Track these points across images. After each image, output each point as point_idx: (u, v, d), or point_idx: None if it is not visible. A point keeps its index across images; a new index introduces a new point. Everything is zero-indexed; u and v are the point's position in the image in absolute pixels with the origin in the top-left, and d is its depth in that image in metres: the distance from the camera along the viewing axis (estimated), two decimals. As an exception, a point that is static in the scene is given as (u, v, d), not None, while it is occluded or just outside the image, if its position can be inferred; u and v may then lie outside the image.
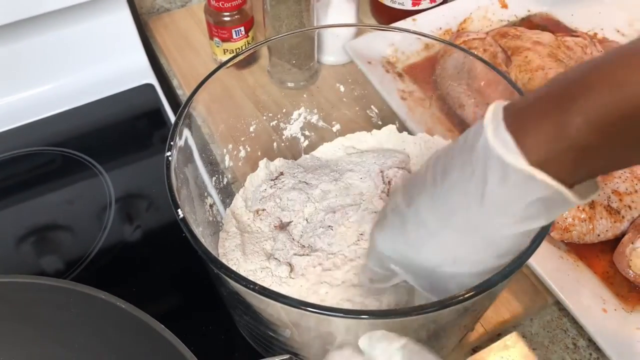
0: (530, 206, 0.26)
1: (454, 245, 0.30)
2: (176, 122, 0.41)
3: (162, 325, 0.37)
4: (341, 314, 0.31)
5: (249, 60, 0.52)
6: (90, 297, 0.39)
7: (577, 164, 0.25)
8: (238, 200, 0.51)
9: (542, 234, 0.35)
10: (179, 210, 0.35)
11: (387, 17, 0.74)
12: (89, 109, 0.69)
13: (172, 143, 0.39)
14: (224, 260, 0.44)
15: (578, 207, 0.49)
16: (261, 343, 0.42)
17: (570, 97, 0.24)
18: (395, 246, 0.33)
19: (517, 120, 0.25)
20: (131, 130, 0.68)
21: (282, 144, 0.56)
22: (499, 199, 0.26)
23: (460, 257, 0.30)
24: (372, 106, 0.57)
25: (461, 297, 0.31)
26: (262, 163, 0.52)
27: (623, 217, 0.50)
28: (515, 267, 0.33)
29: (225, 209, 0.50)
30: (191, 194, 0.42)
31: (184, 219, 0.35)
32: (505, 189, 0.26)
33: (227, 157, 0.52)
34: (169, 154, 0.38)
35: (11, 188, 0.61)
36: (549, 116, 0.25)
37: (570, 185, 0.26)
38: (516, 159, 0.25)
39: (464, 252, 0.30)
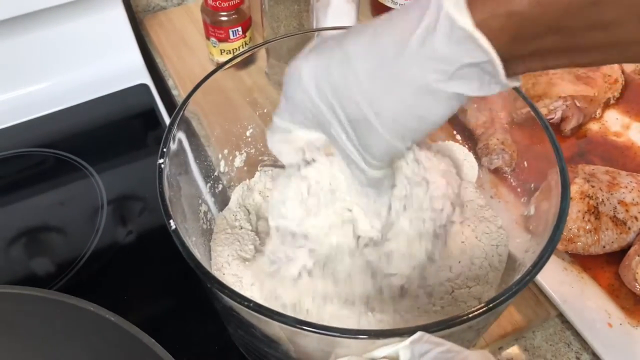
0: (463, 67, 0.27)
1: (378, 96, 0.30)
2: (169, 128, 0.39)
3: (152, 339, 0.36)
4: (338, 334, 0.30)
5: (246, 61, 0.50)
6: (78, 309, 0.38)
7: (512, 35, 0.26)
8: (232, 205, 0.49)
9: (549, 250, 0.34)
10: (171, 221, 0.33)
11: (388, 18, 0.73)
12: (82, 109, 0.68)
13: (165, 149, 0.37)
14: (216, 270, 0.43)
15: (583, 217, 0.48)
16: (257, 357, 0.40)
17: None
18: (324, 87, 0.31)
19: None
20: (124, 131, 0.66)
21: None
22: (438, 50, 0.27)
23: (382, 109, 0.30)
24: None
25: (466, 317, 0.30)
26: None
27: (629, 228, 0.48)
28: (524, 284, 0.32)
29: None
30: (185, 201, 0.41)
31: (176, 231, 0.33)
32: (446, 44, 0.27)
33: (222, 162, 0.50)
34: (161, 161, 0.37)
35: (0, 190, 0.60)
36: None
37: (506, 70, 0.27)
38: (463, 17, 0.26)
39: (386, 105, 0.30)
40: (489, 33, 0.26)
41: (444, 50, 0.27)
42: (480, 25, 0.26)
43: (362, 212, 0.38)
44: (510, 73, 0.27)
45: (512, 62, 0.27)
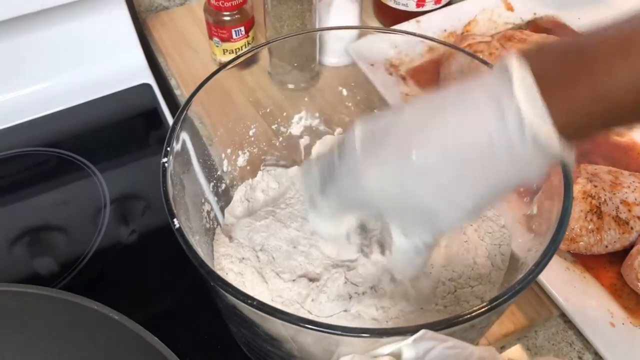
0: (543, 165, 0.27)
1: (456, 188, 0.29)
2: (173, 127, 0.39)
3: (155, 338, 0.36)
4: (340, 332, 0.30)
5: (249, 61, 0.51)
6: (81, 307, 0.38)
7: (598, 119, 0.25)
8: (235, 205, 0.50)
9: (551, 249, 0.34)
10: (175, 220, 0.34)
11: (391, 18, 0.73)
12: (84, 109, 0.68)
13: (168, 149, 0.37)
14: (219, 270, 0.43)
15: (586, 217, 0.48)
16: (259, 356, 0.40)
17: (603, 54, 0.24)
18: (390, 184, 0.30)
19: (544, 73, 0.25)
20: (127, 131, 0.66)
21: (283, 149, 0.55)
22: (519, 155, 0.26)
23: (455, 200, 0.30)
24: (375, 110, 0.56)
25: (468, 316, 0.30)
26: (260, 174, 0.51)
27: (632, 228, 0.48)
28: (526, 283, 0.32)
29: (224, 215, 0.49)
30: (188, 200, 0.41)
31: (180, 230, 0.33)
32: (527, 149, 0.26)
33: (225, 162, 0.50)
34: (165, 160, 0.37)
35: (3, 189, 0.60)
36: (579, 74, 0.24)
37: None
38: (550, 138, 0.25)
39: (460, 195, 0.29)
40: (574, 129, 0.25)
41: (525, 153, 0.26)
42: (563, 126, 0.25)
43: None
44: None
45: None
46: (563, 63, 0.25)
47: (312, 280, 0.42)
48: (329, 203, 0.35)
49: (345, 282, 0.41)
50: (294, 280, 0.42)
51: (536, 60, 0.26)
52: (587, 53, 0.25)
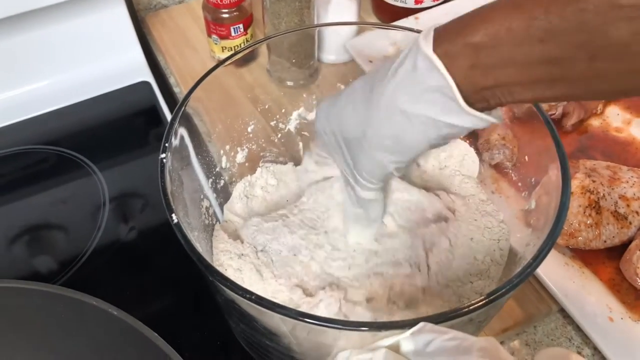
0: (428, 91, 0.30)
1: (365, 117, 0.34)
2: (171, 123, 0.39)
3: (155, 333, 0.36)
4: (339, 326, 0.30)
5: (248, 58, 0.51)
6: (81, 303, 0.38)
7: (470, 65, 0.29)
8: (234, 201, 0.50)
9: (549, 243, 0.34)
10: (173, 215, 0.34)
11: (389, 14, 0.73)
12: (84, 107, 0.68)
13: (166, 144, 0.37)
14: (218, 266, 0.43)
15: (584, 212, 0.48)
16: (258, 351, 0.40)
17: (483, 14, 0.29)
18: (331, 118, 0.38)
19: (441, 30, 0.31)
20: (126, 128, 0.66)
21: (281, 146, 0.55)
22: (406, 75, 0.31)
23: (367, 129, 0.35)
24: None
25: (466, 309, 0.30)
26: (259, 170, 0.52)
27: (630, 223, 0.48)
28: (524, 277, 0.32)
29: (223, 211, 0.49)
30: (187, 196, 0.41)
31: (178, 224, 0.33)
32: (412, 69, 0.31)
33: (224, 158, 0.50)
34: (163, 155, 0.37)
35: (2, 187, 0.60)
36: (460, 25, 0.30)
37: (474, 101, 0.30)
38: (426, 46, 0.30)
39: (370, 124, 0.34)
40: (449, 62, 0.29)
41: (411, 75, 0.31)
42: (442, 55, 0.29)
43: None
44: (480, 106, 0.31)
45: (480, 93, 0.30)
46: (454, 21, 0.31)
47: (306, 293, 0.41)
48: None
49: (340, 308, 0.40)
50: (289, 287, 0.41)
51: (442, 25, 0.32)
52: (468, 16, 0.30)
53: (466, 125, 0.31)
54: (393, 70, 0.32)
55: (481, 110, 0.31)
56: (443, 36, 0.30)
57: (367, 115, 0.34)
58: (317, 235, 0.44)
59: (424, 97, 0.31)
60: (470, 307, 0.30)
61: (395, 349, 0.29)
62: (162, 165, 0.36)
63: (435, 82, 0.30)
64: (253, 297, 0.30)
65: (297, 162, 0.55)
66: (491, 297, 0.30)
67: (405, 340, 0.28)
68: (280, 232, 0.44)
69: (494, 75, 0.29)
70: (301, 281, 0.42)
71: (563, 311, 0.48)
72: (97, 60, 0.71)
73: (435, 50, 0.30)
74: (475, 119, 0.31)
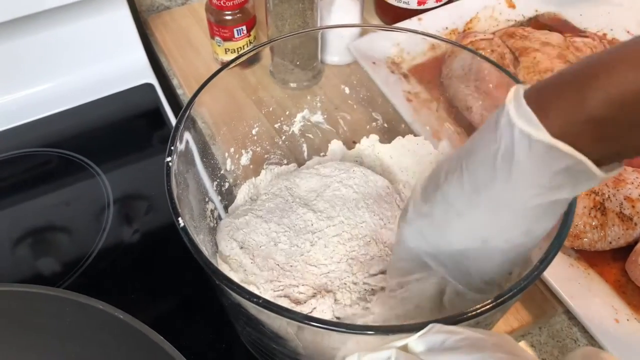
0: (556, 176, 0.27)
1: (483, 224, 0.30)
2: (177, 126, 0.39)
3: (161, 337, 0.36)
4: (346, 330, 0.30)
5: (251, 60, 0.51)
6: (87, 307, 0.38)
7: (595, 139, 0.26)
8: (238, 203, 0.50)
9: (556, 246, 0.34)
10: (180, 218, 0.34)
11: (392, 16, 0.73)
12: (87, 109, 0.68)
13: (172, 148, 0.37)
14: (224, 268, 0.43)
15: (590, 213, 0.48)
16: (265, 354, 0.40)
17: (592, 75, 0.25)
18: (423, 236, 0.33)
19: (538, 97, 0.27)
20: (130, 130, 0.66)
21: (286, 148, 0.55)
22: (525, 170, 0.27)
23: (489, 237, 0.30)
24: (377, 108, 0.56)
25: (474, 313, 0.30)
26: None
27: (636, 224, 0.48)
28: (530, 280, 0.32)
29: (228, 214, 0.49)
30: (192, 199, 0.41)
31: (184, 228, 0.33)
32: (530, 160, 0.27)
33: (228, 161, 0.50)
34: (169, 159, 0.37)
35: (6, 190, 0.60)
36: (569, 91, 0.26)
37: (594, 162, 0.26)
38: (538, 131, 0.26)
39: (492, 230, 0.30)
40: (570, 140, 0.26)
41: (531, 167, 0.27)
42: (559, 136, 0.26)
43: None
44: (609, 164, 0.27)
45: (610, 158, 0.27)
46: (553, 83, 0.27)
47: (293, 301, 0.41)
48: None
49: (333, 312, 0.40)
50: (274, 297, 0.41)
51: (532, 86, 0.28)
52: (574, 73, 0.27)
53: (596, 184, 0.28)
54: (503, 168, 0.28)
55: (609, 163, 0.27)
56: (547, 107, 0.26)
57: (486, 221, 0.30)
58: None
59: (552, 183, 0.27)
60: (478, 311, 0.30)
61: (404, 351, 0.29)
62: (168, 169, 0.36)
63: (562, 164, 0.26)
64: (260, 300, 0.30)
65: (301, 164, 0.55)
66: (498, 301, 0.30)
67: (414, 342, 0.28)
68: (254, 223, 0.45)
69: (621, 141, 0.26)
70: (285, 293, 0.42)
71: (568, 312, 0.48)
72: (100, 62, 0.71)
73: (548, 128, 0.26)
74: (608, 176, 0.27)
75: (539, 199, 0.28)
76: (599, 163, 0.26)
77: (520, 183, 0.28)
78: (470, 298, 0.34)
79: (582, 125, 0.25)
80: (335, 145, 0.56)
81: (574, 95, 0.26)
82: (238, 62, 0.46)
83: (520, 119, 0.26)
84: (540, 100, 0.27)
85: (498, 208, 0.29)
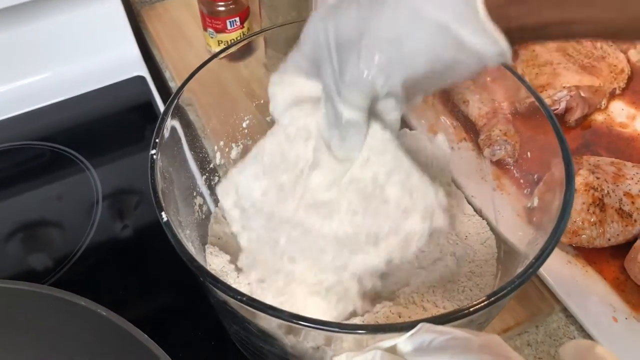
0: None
1: (368, 16, 0.29)
2: (162, 118, 0.38)
3: (145, 335, 0.35)
4: (335, 329, 0.29)
5: (244, 52, 0.49)
6: (70, 304, 0.37)
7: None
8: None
9: (552, 242, 0.32)
10: (163, 213, 0.32)
11: (389, 8, 0.72)
12: (77, 102, 0.67)
13: (157, 140, 0.36)
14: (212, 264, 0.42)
15: (588, 209, 0.47)
16: (253, 353, 0.39)
17: None
18: (328, 18, 0.31)
19: None
20: (121, 124, 0.65)
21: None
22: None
23: (372, 29, 0.29)
24: (372, 101, 0.55)
25: (467, 311, 0.29)
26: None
27: (635, 220, 0.47)
28: (526, 277, 0.31)
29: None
30: (179, 194, 0.40)
31: (167, 223, 0.32)
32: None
33: (218, 154, 0.49)
34: (153, 152, 0.36)
35: (-7, 183, 0.59)
36: None
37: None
38: None
39: (372, 23, 0.29)
40: None
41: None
42: None
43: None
44: (499, 26, 0.27)
45: (504, 9, 0.27)
46: None
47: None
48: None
49: None
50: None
51: None
52: None
53: (475, 49, 0.27)
54: None
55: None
56: None
57: (369, 13, 0.29)
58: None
59: (457, 9, 0.27)
60: (471, 309, 0.29)
61: (393, 351, 0.28)
62: (152, 162, 0.35)
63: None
64: (244, 298, 0.29)
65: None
66: (492, 298, 0.29)
67: (404, 342, 0.27)
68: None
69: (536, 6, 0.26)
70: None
71: (566, 310, 0.47)
72: (92, 54, 0.69)
73: None
74: (488, 40, 0.27)
75: (422, 2, 0.27)
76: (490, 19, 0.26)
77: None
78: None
79: None
80: None
81: None
82: (228, 51, 0.45)
83: None
84: None
85: (385, 0, 0.28)
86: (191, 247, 0.34)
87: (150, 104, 0.66)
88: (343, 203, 0.36)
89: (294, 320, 0.29)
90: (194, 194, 0.44)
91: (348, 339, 0.31)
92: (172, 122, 0.39)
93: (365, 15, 0.29)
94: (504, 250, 0.45)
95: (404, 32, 0.28)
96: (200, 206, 0.45)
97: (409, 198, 0.35)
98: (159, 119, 0.38)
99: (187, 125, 0.43)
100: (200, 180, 0.46)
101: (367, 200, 0.36)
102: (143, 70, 0.69)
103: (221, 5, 0.63)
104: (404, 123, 0.54)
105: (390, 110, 0.33)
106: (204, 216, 0.45)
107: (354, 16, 0.30)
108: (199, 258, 0.32)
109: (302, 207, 0.36)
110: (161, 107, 0.65)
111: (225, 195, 0.39)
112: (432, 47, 0.28)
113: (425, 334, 0.26)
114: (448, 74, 0.30)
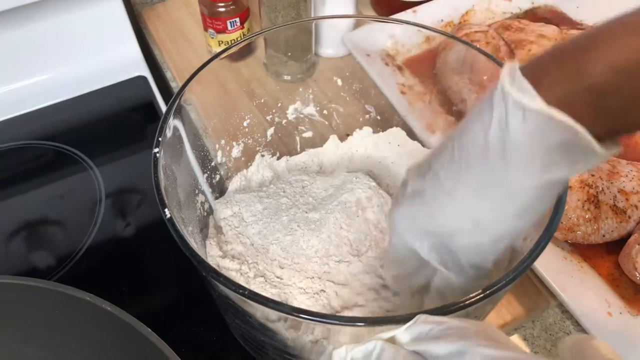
0: (552, 151, 0.25)
1: (473, 204, 0.29)
2: (165, 117, 0.39)
3: (149, 329, 0.36)
4: (334, 321, 0.29)
5: (244, 52, 0.50)
6: (75, 299, 0.38)
7: (595, 111, 0.24)
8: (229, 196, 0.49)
9: (547, 237, 0.33)
10: (166, 209, 0.33)
11: (387, 8, 0.72)
12: (80, 102, 0.67)
13: (160, 139, 0.37)
14: (212, 261, 0.43)
15: (583, 206, 0.48)
16: (255, 347, 0.40)
17: (592, 43, 0.24)
18: (413, 218, 0.32)
19: (535, 69, 0.25)
20: (123, 123, 0.66)
21: (278, 140, 0.55)
22: (519, 144, 0.25)
23: (480, 218, 0.29)
24: (370, 100, 0.55)
25: (463, 303, 0.30)
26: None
27: (629, 217, 0.48)
28: (520, 271, 0.31)
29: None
30: (181, 191, 0.40)
31: (170, 219, 0.33)
32: (525, 133, 0.25)
33: (219, 153, 0.50)
34: (156, 150, 0.36)
35: (-2, 183, 0.60)
36: (568, 60, 0.24)
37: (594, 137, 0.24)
38: (533, 100, 0.24)
39: (482, 211, 0.29)
40: (568, 111, 0.24)
41: (525, 141, 0.25)
42: (556, 105, 0.24)
43: None
44: (608, 140, 0.25)
45: (610, 133, 0.25)
46: (551, 54, 0.26)
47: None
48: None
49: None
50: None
51: (529, 60, 0.26)
52: (573, 43, 0.25)
53: (595, 165, 0.26)
54: (495, 141, 0.26)
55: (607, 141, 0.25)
56: (544, 77, 0.24)
57: (475, 203, 0.28)
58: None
59: (548, 159, 0.25)
60: (467, 302, 0.29)
61: (391, 342, 0.29)
62: (156, 160, 0.36)
63: (558, 137, 0.24)
64: (246, 292, 0.30)
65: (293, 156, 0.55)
66: (488, 292, 0.30)
67: (402, 333, 0.27)
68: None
69: (629, 111, 0.24)
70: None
71: (561, 306, 0.48)
72: (93, 54, 0.70)
73: (545, 97, 0.24)
74: (607, 155, 0.25)
75: (533, 178, 0.26)
76: (597, 140, 0.25)
77: (513, 159, 0.26)
78: (458, 286, 0.33)
79: (581, 95, 0.24)
80: (330, 139, 0.55)
81: (573, 63, 0.24)
82: (229, 52, 0.45)
83: (514, 88, 0.24)
84: (537, 71, 0.25)
85: (489, 187, 0.27)
86: (193, 243, 0.35)
87: (152, 104, 0.67)
88: (330, 219, 0.43)
89: (295, 313, 0.29)
90: (196, 192, 0.45)
91: (346, 332, 0.32)
92: (174, 122, 0.40)
93: (470, 207, 0.29)
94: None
95: (529, 202, 0.27)
96: (202, 203, 0.45)
97: (384, 220, 0.43)
98: (162, 119, 0.39)
99: (188, 124, 0.43)
100: (201, 178, 0.47)
101: (350, 219, 0.43)
102: (145, 71, 0.70)
103: (221, 6, 0.64)
104: (402, 122, 0.54)
105: None
106: (205, 213, 0.46)
107: (454, 210, 0.30)
108: (200, 253, 0.33)
109: (295, 221, 0.43)
110: (163, 106, 0.65)
111: (223, 210, 0.45)
112: (555, 194, 0.28)
113: (423, 324, 0.27)
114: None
